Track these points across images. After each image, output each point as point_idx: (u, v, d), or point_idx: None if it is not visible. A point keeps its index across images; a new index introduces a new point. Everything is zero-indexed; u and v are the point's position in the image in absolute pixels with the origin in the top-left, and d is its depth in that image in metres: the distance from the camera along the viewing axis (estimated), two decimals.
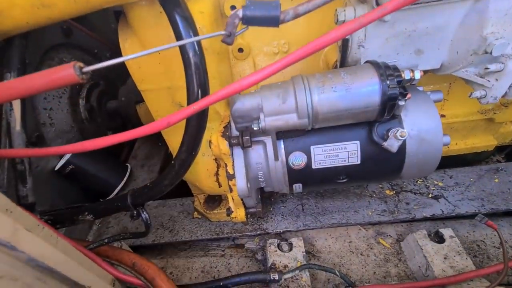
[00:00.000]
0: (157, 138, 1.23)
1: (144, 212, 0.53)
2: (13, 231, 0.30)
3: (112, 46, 1.28)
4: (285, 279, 0.69)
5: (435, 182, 0.85)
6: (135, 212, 0.52)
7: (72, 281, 0.41)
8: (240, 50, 0.76)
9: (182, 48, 0.38)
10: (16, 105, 0.47)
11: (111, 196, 0.97)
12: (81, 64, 0.26)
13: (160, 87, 0.58)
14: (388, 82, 0.47)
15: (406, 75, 0.49)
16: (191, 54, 0.38)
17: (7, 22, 0.33)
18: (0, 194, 0.33)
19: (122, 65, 0.57)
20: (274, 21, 0.32)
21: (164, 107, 0.62)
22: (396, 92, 0.47)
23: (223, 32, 0.33)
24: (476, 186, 0.83)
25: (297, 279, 0.71)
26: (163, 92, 0.59)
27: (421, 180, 0.87)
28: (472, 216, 0.82)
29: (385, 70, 0.48)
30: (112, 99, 1.16)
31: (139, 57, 0.55)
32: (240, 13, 0.32)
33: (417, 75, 0.49)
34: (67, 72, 0.25)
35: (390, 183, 0.88)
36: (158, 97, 0.60)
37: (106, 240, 0.57)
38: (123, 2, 0.41)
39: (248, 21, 0.32)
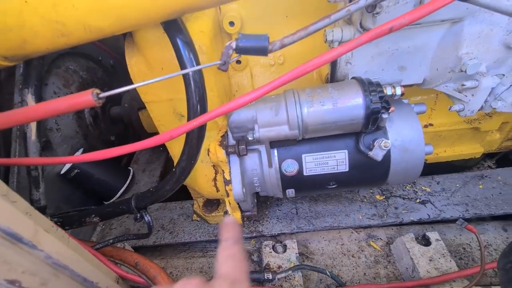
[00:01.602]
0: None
1: (147, 215, 0.58)
2: (34, 232, 0.35)
3: (115, 54, 1.33)
4: (278, 279, 0.73)
5: (423, 187, 0.90)
6: (138, 214, 0.56)
7: (82, 277, 0.45)
8: (238, 62, 0.81)
9: (183, 68, 0.42)
10: None
11: (114, 199, 1.01)
12: (98, 91, 0.31)
13: (163, 99, 0.63)
14: (371, 97, 0.51)
15: (388, 90, 0.53)
16: (191, 74, 0.42)
17: (29, 48, 0.37)
18: (22, 199, 0.37)
19: (125, 72, 0.62)
20: (263, 51, 0.37)
21: (166, 117, 0.67)
22: (378, 107, 0.51)
23: (218, 62, 0.38)
24: (462, 192, 0.87)
25: (290, 279, 0.75)
26: (165, 103, 0.64)
27: (410, 185, 0.91)
28: (456, 221, 0.87)
29: (369, 86, 0.52)
30: (116, 105, 1.21)
31: (144, 73, 0.60)
32: (234, 45, 0.36)
33: (398, 91, 0.53)
34: (86, 98, 0.29)
35: (380, 189, 0.92)
36: (160, 108, 0.65)
37: (111, 241, 0.61)
38: (132, 29, 0.45)
39: (241, 51, 0.37)
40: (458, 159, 1.00)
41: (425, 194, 0.88)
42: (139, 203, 0.56)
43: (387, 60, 0.59)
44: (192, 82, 0.43)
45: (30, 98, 0.51)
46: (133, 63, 0.56)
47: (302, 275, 0.76)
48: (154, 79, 0.36)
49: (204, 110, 0.45)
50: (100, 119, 1.14)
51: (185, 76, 0.43)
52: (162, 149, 1.24)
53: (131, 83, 1.20)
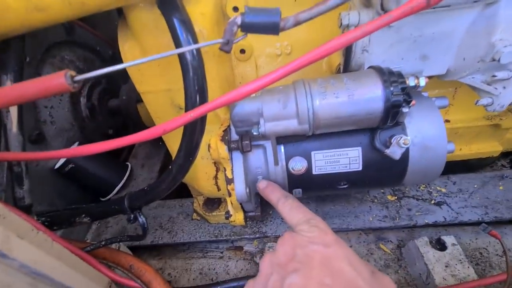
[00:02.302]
0: (157, 138, 1.23)
1: (141, 216, 0.53)
2: (4, 239, 0.30)
3: (114, 44, 1.27)
4: None
5: (438, 188, 0.84)
6: (132, 215, 0.52)
7: (66, 286, 0.40)
8: (242, 51, 0.75)
9: (181, 53, 0.37)
10: (13, 107, 0.46)
11: (111, 195, 0.97)
12: (73, 73, 0.25)
13: (159, 89, 0.58)
14: (391, 89, 0.46)
15: (411, 81, 0.47)
16: (189, 59, 0.37)
17: (1, 25, 0.32)
18: None
19: None
20: (274, 29, 0.31)
21: (163, 109, 0.61)
22: (399, 99, 0.46)
23: (220, 40, 0.32)
24: (480, 193, 0.81)
25: None
26: (162, 94, 0.59)
27: (424, 186, 0.85)
28: (475, 224, 0.81)
29: (389, 77, 0.46)
30: (114, 97, 1.16)
31: (139, 59, 0.54)
32: (239, 20, 0.31)
33: (422, 82, 0.47)
34: (58, 81, 0.24)
35: (392, 189, 0.87)
36: (157, 99, 0.59)
37: (103, 243, 0.57)
38: (120, 5, 0.40)
39: (247, 28, 0.31)
40: (474, 158, 0.94)
41: (440, 195, 0.82)
42: (132, 203, 0.52)
43: (408, 48, 0.53)
44: (190, 68, 0.38)
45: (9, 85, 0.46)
46: (127, 48, 0.51)
47: None
48: (142, 59, 0.30)
49: (203, 101, 0.40)
50: (97, 111, 1.10)
51: (183, 61, 0.38)
52: (161, 143, 1.19)
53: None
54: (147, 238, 0.83)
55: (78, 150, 0.35)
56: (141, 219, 0.52)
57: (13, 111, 0.46)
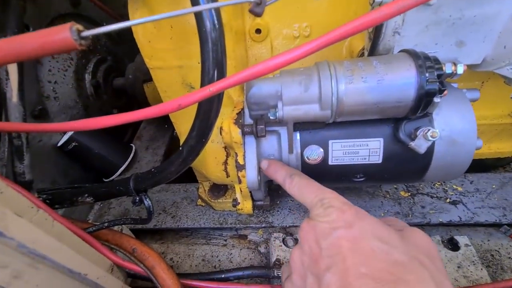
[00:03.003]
0: (163, 120, 1.19)
1: (147, 199, 0.50)
2: (0, 216, 0.27)
3: (122, 20, 1.22)
4: None
5: (454, 186, 0.81)
6: (137, 198, 0.49)
7: (67, 268, 0.38)
8: (258, 31, 0.70)
9: (199, 20, 0.33)
10: (13, 74, 0.43)
11: (114, 177, 0.94)
12: (80, 27, 0.22)
13: (171, 65, 0.54)
14: (427, 75, 0.42)
15: (447, 68, 0.43)
16: (209, 27, 0.33)
17: None
18: None
19: (131, 40, 0.53)
20: None
21: (174, 87, 0.57)
22: (435, 87, 0.42)
23: None
24: (499, 194, 0.78)
25: None
26: (174, 71, 0.55)
27: (440, 183, 0.82)
28: (492, 226, 0.78)
29: (425, 62, 0.42)
30: (119, 76, 1.12)
31: (150, 32, 0.50)
32: None
33: (460, 69, 0.43)
34: (62, 35, 0.21)
35: (405, 185, 0.83)
36: (167, 76, 0.55)
37: (106, 224, 0.54)
38: None
39: None
40: (491, 158, 0.90)
41: (456, 194, 0.79)
42: (138, 184, 0.49)
43: (444, 31, 0.48)
44: (209, 39, 0.34)
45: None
46: (137, 17, 0.47)
47: None
48: (154, 16, 0.26)
49: (222, 76, 0.36)
50: (102, 90, 1.06)
51: (201, 30, 0.34)
52: (167, 126, 1.16)
53: (136, 52, 1.09)
54: (150, 222, 0.81)
55: (86, 122, 0.32)
56: (147, 202, 0.50)
57: (13, 79, 0.43)
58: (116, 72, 1.12)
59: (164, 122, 1.17)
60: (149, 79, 1.04)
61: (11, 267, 0.31)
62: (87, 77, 1.01)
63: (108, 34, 1.16)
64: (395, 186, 0.83)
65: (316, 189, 0.42)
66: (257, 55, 0.74)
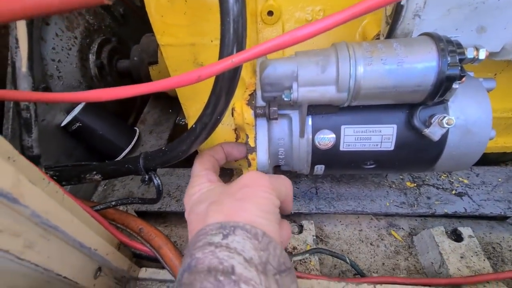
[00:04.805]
0: (167, 105, 1.18)
1: (157, 178, 0.49)
2: (15, 182, 0.26)
3: (127, 2, 1.19)
4: (293, 261, 0.67)
5: (460, 178, 0.81)
6: (146, 176, 0.48)
7: (78, 241, 0.37)
8: (270, 13, 0.69)
9: None
10: (23, 43, 0.41)
11: (118, 159, 0.93)
12: None
13: (183, 42, 0.52)
14: (448, 59, 0.41)
15: (469, 53, 0.42)
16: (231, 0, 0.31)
17: None
18: (3, 139, 0.29)
19: (136, 23, 0.51)
20: None
21: (184, 66, 0.56)
22: (456, 72, 0.41)
23: None
24: (504, 187, 0.78)
25: (305, 262, 0.68)
26: (186, 49, 0.53)
27: (445, 175, 0.82)
28: (496, 218, 0.79)
29: (447, 45, 0.41)
30: (124, 58, 1.10)
31: (163, 5, 0.49)
32: None
33: (482, 54, 0.42)
34: None
35: (411, 175, 0.83)
36: (179, 54, 0.54)
37: (113, 203, 0.54)
38: None
39: None
40: (496, 152, 0.90)
41: (462, 186, 0.79)
42: (148, 163, 0.48)
43: (466, 16, 0.47)
44: (230, 11, 0.32)
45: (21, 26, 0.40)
46: None
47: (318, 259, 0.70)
48: None
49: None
50: (106, 71, 1.04)
51: (223, 2, 0.32)
52: (171, 111, 1.14)
53: (141, 36, 1.06)
54: (154, 204, 0.81)
55: (99, 93, 0.31)
56: (156, 180, 0.49)
57: (23, 48, 0.41)
58: (121, 54, 1.10)
59: (168, 107, 1.16)
60: (155, 61, 1.02)
61: (23, 236, 0.30)
62: (91, 57, 0.99)
63: (112, 15, 1.14)
64: (401, 176, 0.83)
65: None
66: (268, 38, 0.72)
